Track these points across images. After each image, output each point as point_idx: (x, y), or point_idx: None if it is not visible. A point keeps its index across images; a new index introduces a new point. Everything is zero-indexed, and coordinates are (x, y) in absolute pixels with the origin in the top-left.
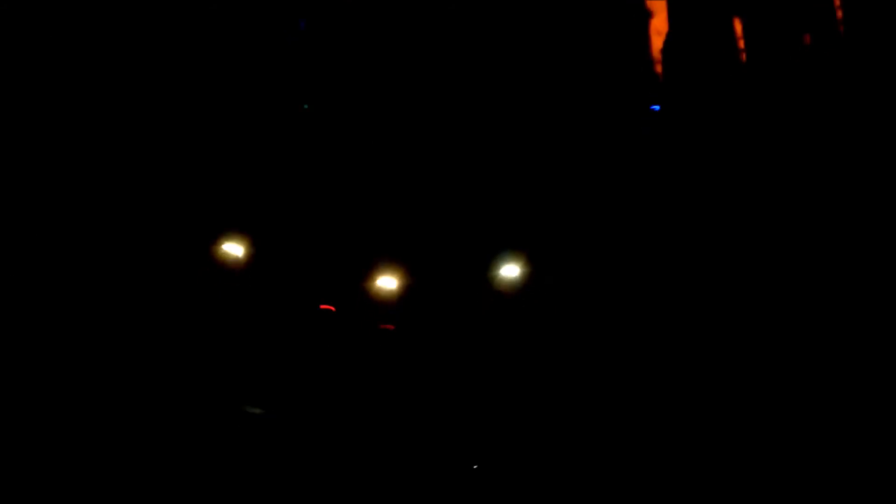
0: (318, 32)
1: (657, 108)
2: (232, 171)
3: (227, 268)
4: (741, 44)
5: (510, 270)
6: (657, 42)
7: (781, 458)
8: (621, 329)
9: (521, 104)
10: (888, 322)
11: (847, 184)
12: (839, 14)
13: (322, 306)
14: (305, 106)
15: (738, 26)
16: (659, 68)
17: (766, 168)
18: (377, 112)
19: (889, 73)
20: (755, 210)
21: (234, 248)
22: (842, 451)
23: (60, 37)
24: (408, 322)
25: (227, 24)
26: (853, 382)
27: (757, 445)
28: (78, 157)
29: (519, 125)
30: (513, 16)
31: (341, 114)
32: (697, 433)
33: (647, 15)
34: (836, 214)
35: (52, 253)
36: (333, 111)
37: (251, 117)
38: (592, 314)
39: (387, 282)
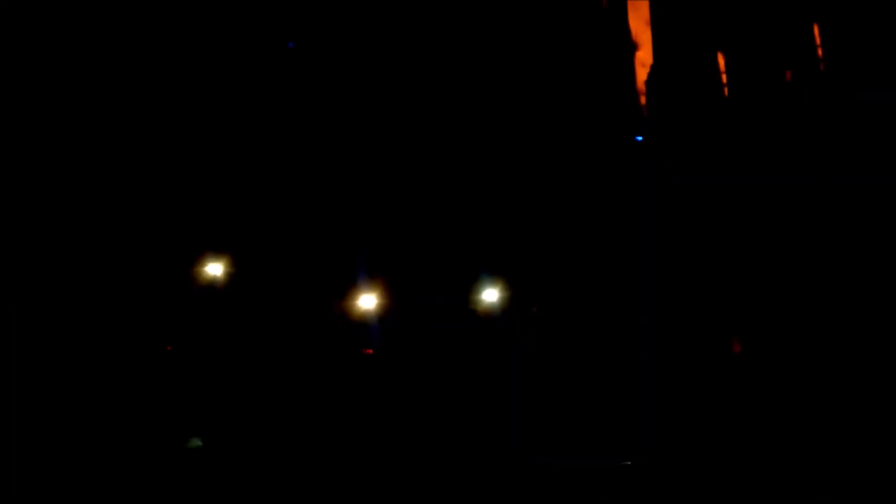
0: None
1: (640, 138)
2: (214, 192)
3: (208, 286)
4: (724, 78)
5: (491, 294)
6: (642, 74)
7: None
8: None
9: (507, 134)
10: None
11: (826, 216)
12: (819, 52)
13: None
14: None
15: (721, 60)
16: (643, 100)
17: (745, 200)
18: (362, 126)
19: (868, 110)
20: (736, 241)
21: (214, 268)
22: (844, 451)
23: (62, 37)
24: (389, 345)
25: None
26: (854, 382)
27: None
28: (79, 159)
29: (503, 155)
30: (499, 46)
31: (323, 128)
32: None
33: (633, 47)
34: (814, 247)
35: (49, 255)
36: (315, 126)
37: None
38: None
39: (366, 301)
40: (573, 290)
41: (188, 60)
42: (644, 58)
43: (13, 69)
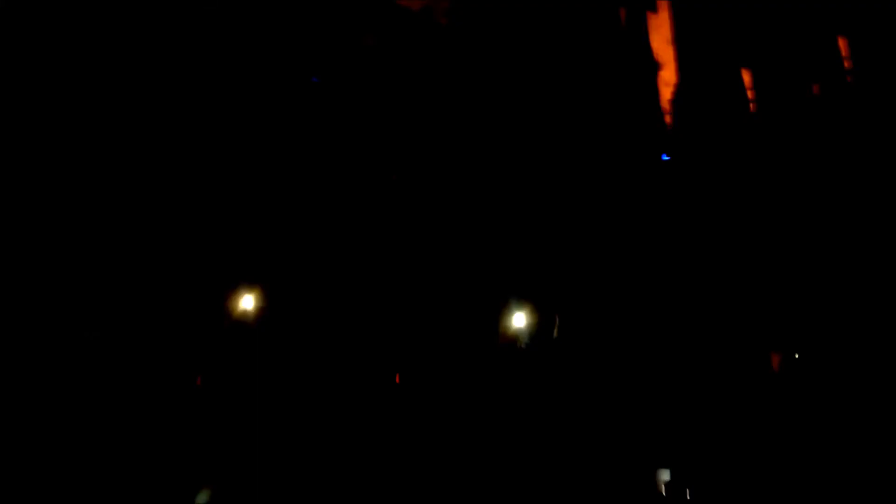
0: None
1: (666, 157)
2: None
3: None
4: (750, 94)
5: (520, 319)
6: (666, 93)
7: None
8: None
9: (530, 154)
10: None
11: (851, 231)
12: (847, 64)
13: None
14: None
15: (746, 77)
16: (668, 119)
17: (774, 214)
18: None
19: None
20: (761, 256)
21: (245, 300)
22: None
23: (65, 37)
24: (413, 371)
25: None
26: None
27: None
28: (82, 161)
29: (526, 176)
30: (523, 66)
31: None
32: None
33: (656, 66)
34: (837, 261)
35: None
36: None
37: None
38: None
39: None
40: (595, 299)
41: (193, 69)
42: (668, 77)
43: (13, 69)
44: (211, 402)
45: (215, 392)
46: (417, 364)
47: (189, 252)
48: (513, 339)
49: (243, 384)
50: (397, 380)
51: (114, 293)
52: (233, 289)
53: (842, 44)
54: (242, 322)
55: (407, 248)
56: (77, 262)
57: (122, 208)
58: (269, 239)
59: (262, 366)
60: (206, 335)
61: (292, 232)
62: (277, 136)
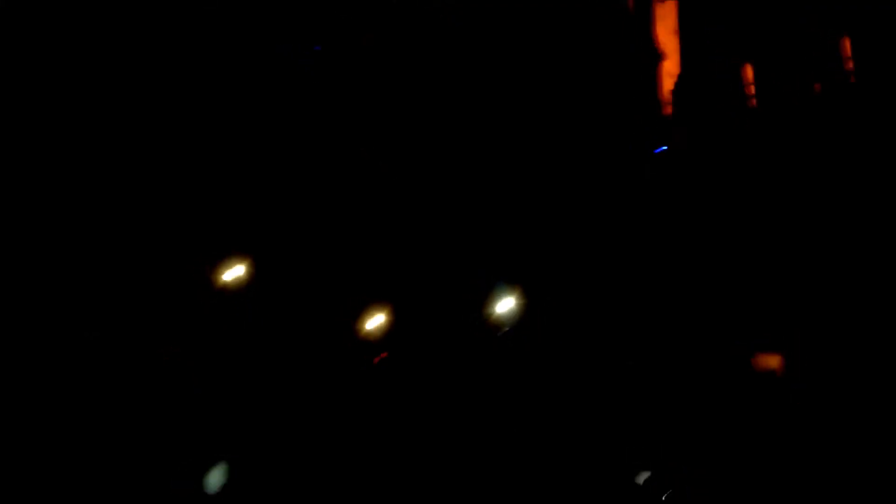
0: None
1: (663, 149)
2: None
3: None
4: (751, 89)
5: (506, 304)
6: (668, 84)
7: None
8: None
9: (532, 146)
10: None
11: (851, 229)
12: (849, 65)
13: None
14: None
15: (748, 72)
16: (669, 110)
17: (772, 209)
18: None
19: None
20: (759, 250)
21: (233, 272)
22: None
23: (68, 38)
24: (401, 350)
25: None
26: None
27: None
28: (80, 159)
29: (528, 165)
30: (529, 59)
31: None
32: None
33: (659, 57)
34: (837, 259)
35: (49, 253)
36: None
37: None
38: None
39: (378, 318)
40: (595, 294)
41: (198, 63)
42: (671, 68)
43: (13, 69)
44: (207, 401)
45: (211, 390)
46: (403, 350)
47: (180, 238)
48: (496, 327)
49: (238, 377)
50: (376, 361)
51: (113, 293)
52: (225, 277)
53: (846, 44)
54: (235, 310)
55: (397, 237)
56: (76, 262)
57: (118, 207)
58: (268, 242)
59: (255, 357)
60: (196, 322)
61: (290, 231)
62: (270, 133)
